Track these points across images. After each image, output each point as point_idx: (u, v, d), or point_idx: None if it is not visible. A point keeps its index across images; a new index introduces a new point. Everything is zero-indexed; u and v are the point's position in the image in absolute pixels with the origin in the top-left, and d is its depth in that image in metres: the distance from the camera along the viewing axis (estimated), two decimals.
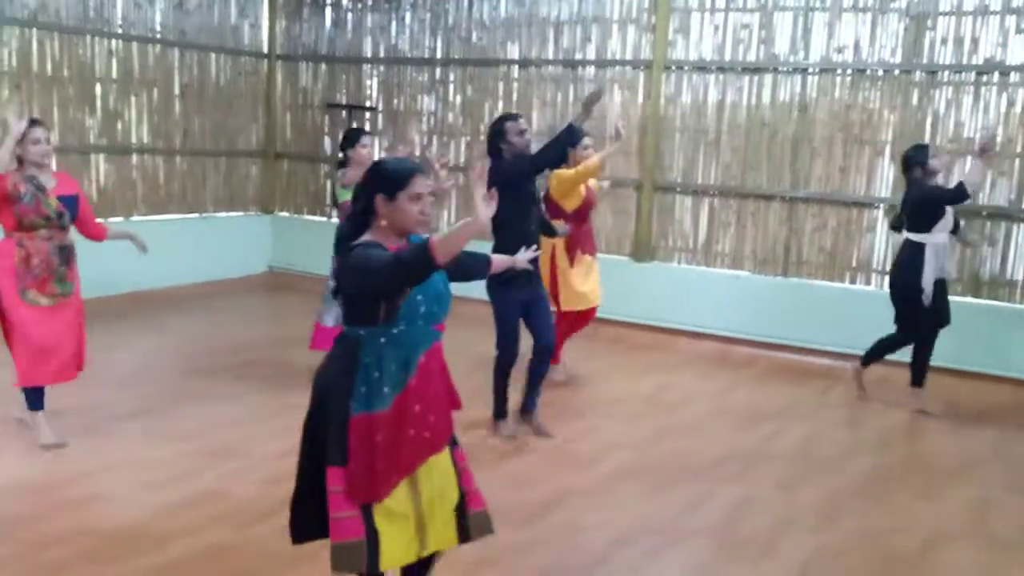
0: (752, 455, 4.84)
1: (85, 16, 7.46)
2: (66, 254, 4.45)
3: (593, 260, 5.91)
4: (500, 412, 4.95)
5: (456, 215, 8.17)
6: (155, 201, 8.15)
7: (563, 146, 4.66)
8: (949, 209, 5.49)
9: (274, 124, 9.15)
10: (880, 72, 6.58)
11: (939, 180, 5.53)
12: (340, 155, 5.49)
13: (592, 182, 5.78)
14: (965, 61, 6.32)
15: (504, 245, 4.22)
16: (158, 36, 8.09)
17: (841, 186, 6.78)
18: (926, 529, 3.98)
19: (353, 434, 2.57)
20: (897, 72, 6.52)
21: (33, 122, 4.46)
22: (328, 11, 8.96)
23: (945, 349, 5.75)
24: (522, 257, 3.44)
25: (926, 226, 5.47)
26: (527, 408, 5.01)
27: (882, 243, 6.71)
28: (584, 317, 5.96)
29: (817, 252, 6.91)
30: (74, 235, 4.53)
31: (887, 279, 6.54)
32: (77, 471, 4.08)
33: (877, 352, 5.86)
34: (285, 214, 9.28)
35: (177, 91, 8.30)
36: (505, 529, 3.73)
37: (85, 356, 4.59)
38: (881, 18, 6.55)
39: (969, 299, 6.38)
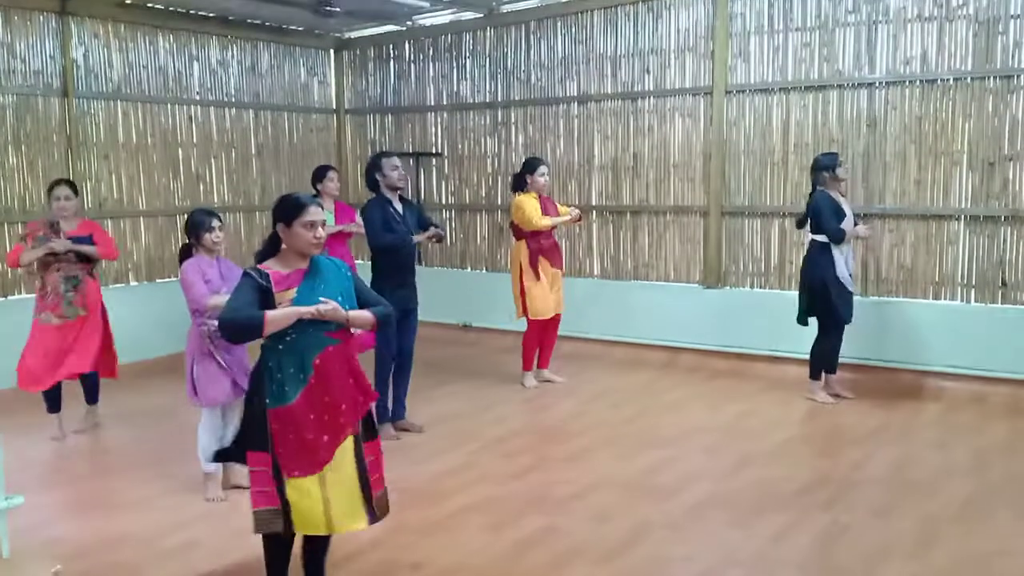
0: (841, 481, 4.70)
1: (165, 86, 7.90)
2: (73, 282, 5.41)
3: (557, 273, 6.58)
4: (385, 417, 5.47)
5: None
6: (238, 256, 8.47)
7: (402, 247, 5.40)
8: (848, 209, 5.94)
9: (346, 175, 9.45)
10: (951, 81, 6.41)
11: (843, 187, 6.07)
12: (313, 190, 6.58)
13: (562, 208, 6.64)
14: None
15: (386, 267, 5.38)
16: (234, 100, 8.50)
17: (917, 199, 6.59)
18: None
19: (272, 423, 3.11)
20: (969, 80, 6.34)
21: (61, 182, 5.53)
22: (392, 64, 9.26)
23: None
24: (305, 309, 3.13)
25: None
26: (400, 415, 5.61)
27: (965, 255, 6.46)
28: (550, 325, 6.66)
29: (897, 268, 6.71)
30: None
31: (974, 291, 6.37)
32: (174, 521, 4.24)
33: (825, 362, 6.15)
34: (359, 261, 9.52)
35: (254, 150, 8.68)
36: (585, 565, 3.72)
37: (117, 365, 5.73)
38: (948, 26, 6.39)
39: None
